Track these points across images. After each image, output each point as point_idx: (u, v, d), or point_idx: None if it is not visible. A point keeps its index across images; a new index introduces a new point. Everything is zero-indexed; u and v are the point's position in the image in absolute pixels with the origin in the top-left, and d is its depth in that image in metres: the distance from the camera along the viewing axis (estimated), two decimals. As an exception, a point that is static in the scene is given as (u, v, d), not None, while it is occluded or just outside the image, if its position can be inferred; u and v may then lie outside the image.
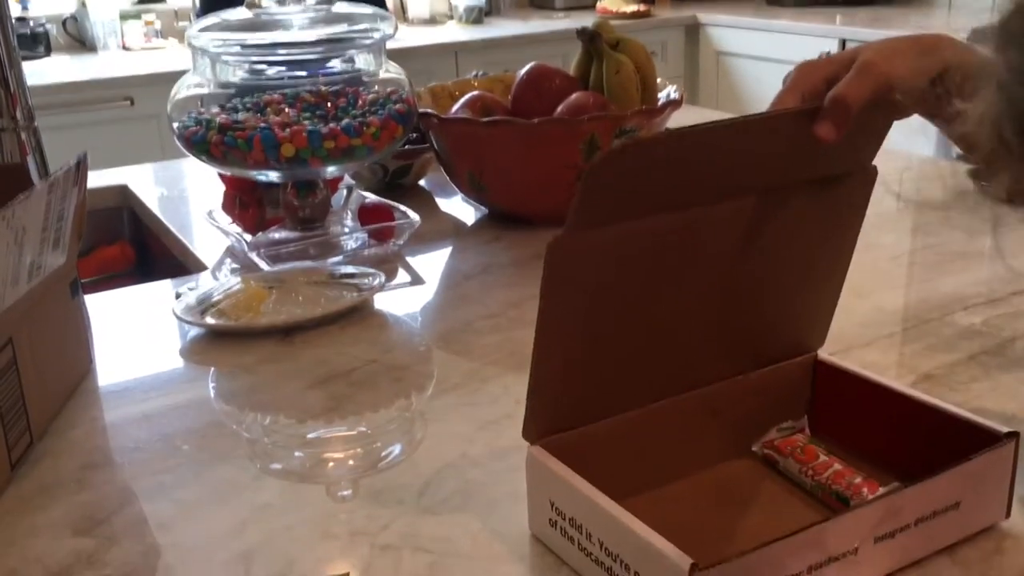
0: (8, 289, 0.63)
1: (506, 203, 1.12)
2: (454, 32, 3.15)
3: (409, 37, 2.96)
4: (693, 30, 3.32)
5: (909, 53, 0.60)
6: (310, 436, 0.71)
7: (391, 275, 1.00)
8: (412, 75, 1.10)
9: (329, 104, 1.02)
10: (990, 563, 0.54)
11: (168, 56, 2.80)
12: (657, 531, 0.47)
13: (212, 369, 0.82)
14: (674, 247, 0.54)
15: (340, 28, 1.03)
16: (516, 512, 0.58)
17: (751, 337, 0.63)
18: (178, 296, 0.91)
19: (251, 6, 1.03)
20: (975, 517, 0.55)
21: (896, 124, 0.61)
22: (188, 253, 1.11)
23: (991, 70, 0.43)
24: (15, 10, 2.83)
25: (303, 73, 1.04)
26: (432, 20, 3.32)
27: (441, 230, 1.14)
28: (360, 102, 1.03)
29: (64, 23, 2.94)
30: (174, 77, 1.09)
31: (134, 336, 0.89)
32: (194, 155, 1.02)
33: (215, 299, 0.89)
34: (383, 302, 0.94)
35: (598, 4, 3.43)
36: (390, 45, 1.09)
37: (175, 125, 1.03)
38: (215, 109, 1.03)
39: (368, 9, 1.08)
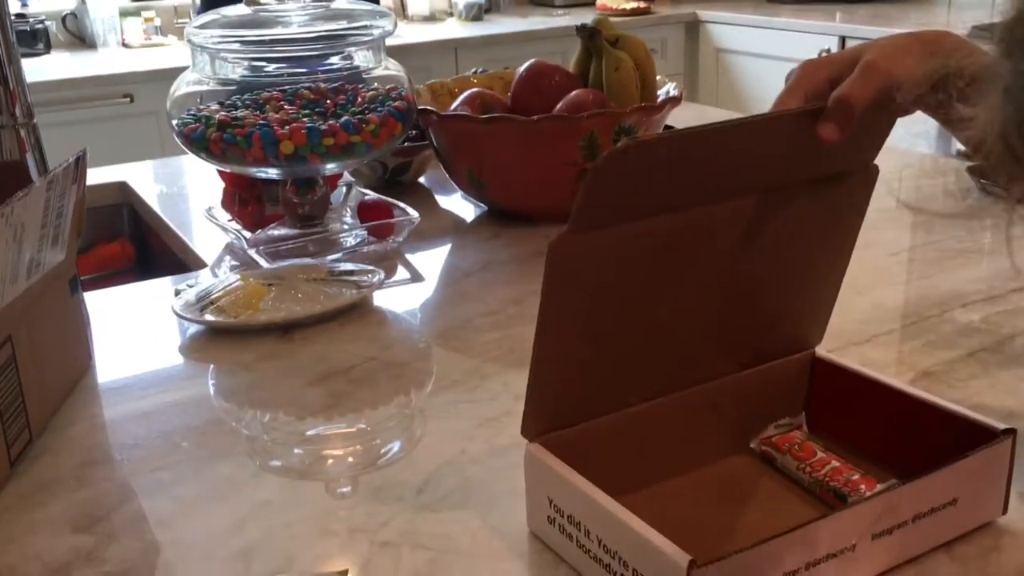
0: (7, 286, 0.63)
1: (505, 200, 1.12)
2: (453, 29, 3.15)
3: (408, 34, 2.96)
4: (693, 27, 3.32)
5: (912, 52, 0.59)
6: (309, 433, 0.71)
7: (390, 272, 1.00)
8: (411, 72, 1.10)
9: (328, 101, 1.02)
10: (987, 560, 0.54)
11: (167, 53, 2.80)
12: (655, 528, 0.47)
13: (211, 366, 0.82)
14: (675, 247, 0.54)
15: (339, 25, 1.02)
16: (515, 509, 0.58)
17: (750, 335, 0.63)
18: (177, 293, 0.91)
19: (251, 3, 1.03)
20: (972, 514, 0.56)
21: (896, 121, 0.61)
22: (187, 250, 1.11)
23: (997, 75, 0.42)
24: (15, 7, 2.83)
25: (302, 70, 1.04)
26: (432, 17, 3.31)
27: (440, 227, 1.14)
28: (359, 99, 1.03)
29: (64, 20, 2.94)
30: (173, 74, 1.09)
31: (133, 333, 0.89)
32: (193, 152, 1.02)
33: (214, 296, 0.89)
34: (382, 299, 0.94)
35: (598, 1, 3.43)
36: (389, 42, 1.09)
37: (174, 122, 1.03)
38: (214, 106, 1.03)
39: (367, 6, 1.08)
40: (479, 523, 0.59)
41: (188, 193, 1.35)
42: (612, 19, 1.21)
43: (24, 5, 2.87)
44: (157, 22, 2.98)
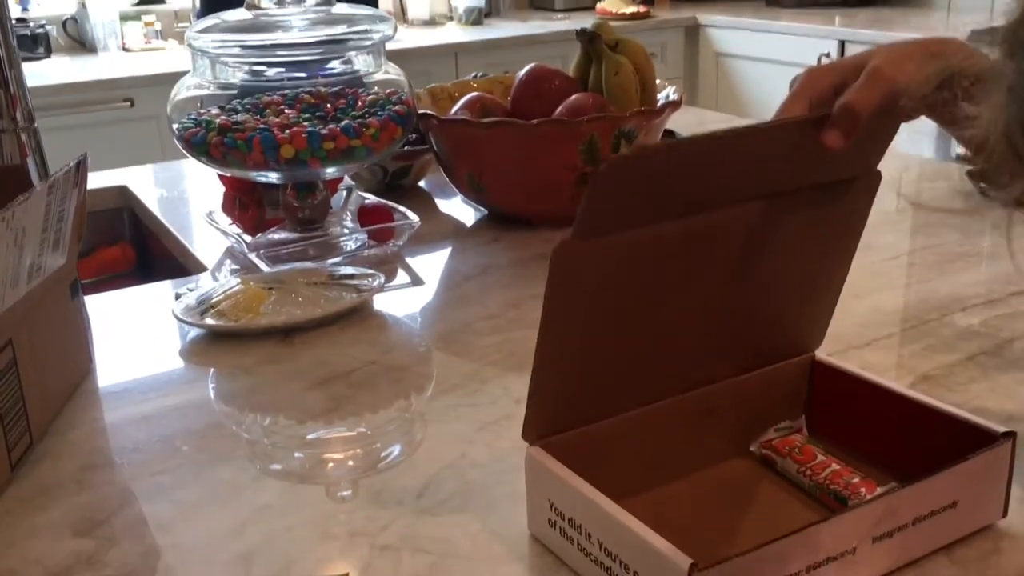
0: (8, 290, 0.63)
1: (505, 204, 1.12)
2: (454, 33, 3.16)
3: (409, 38, 2.96)
4: (692, 31, 3.32)
5: (917, 58, 0.59)
6: (310, 437, 0.71)
7: (391, 276, 1.00)
8: (412, 76, 1.10)
9: (328, 105, 1.02)
10: (987, 563, 0.54)
11: (168, 57, 2.80)
12: (656, 531, 0.47)
13: (212, 370, 0.83)
14: (678, 253, 0.54)
15: (339, 29, 1.03)
16: (515, 513, 0.58)
17: (750, 338, 0.63)
18: (178, 297, 0.91)
19: (251, 7, 1.03)
20: (972, 517, 0.56)
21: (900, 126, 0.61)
22: (188, 254, 1.11)
23: (1001, 75, 0.42)
24: (15, 11, 2.83)
25: (303, 74, 1.04)
26: (432, 21, 3.32)
27: (440, 231, 1.14)
28: (360, 103, 1.03)
29: (64, 24, 2.94)
30: (174, 78, 1.09)
31: (134, 337, 0.89)
32: (194, 156, 1.02)
33: (215, 300, 0.89)
34: (382, 303, 0.94)
35: (597, 5, 3.43)
36: (389, 46, 1.09)
37: (175, 126, 1.03)
38: (215, 110, 1.03)
39: (367, 10, 1.08)
40: (479, 527, 0.59)
41: (188, 197, 1.35)
42: (612, 23, 1.22)
43: (25, 9, 2.87)
44: (157, 26, 2.98)
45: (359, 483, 0.65)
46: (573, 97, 1.09)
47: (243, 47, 1.01)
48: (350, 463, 0.68)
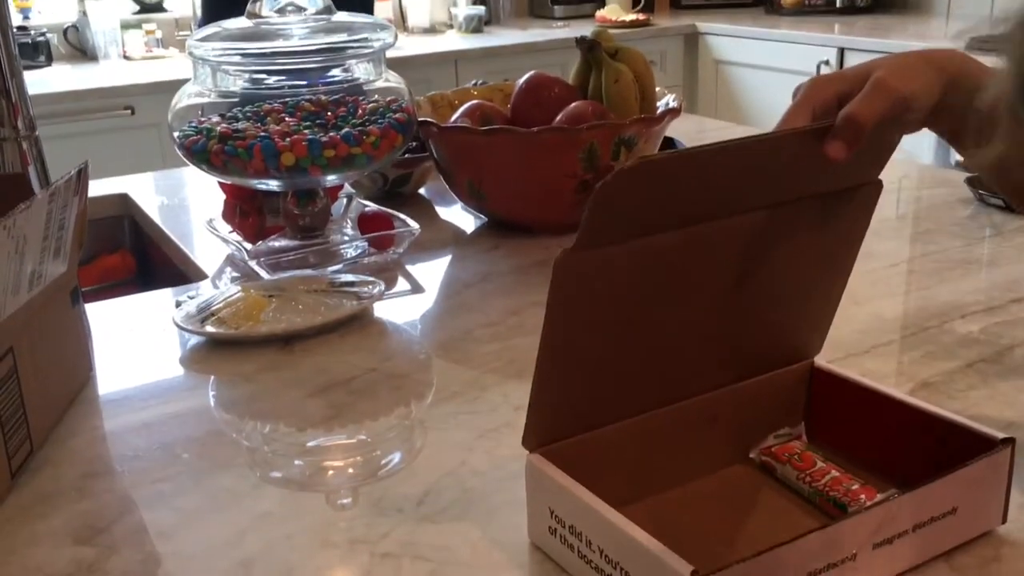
0: (9, 298, 0.63)
1: (505, 211, 1.12)
2: (454, 41, 3.16)
3: (409, 46, 2.97)
4: (692, 39, 3.33)
5: (920, 70, 0.60)
6: (310, 444, 0.71)
7: (391, 283, 1.00)
8: (412, 84, 1.11)
9: (329, 113, 1.03)
10: (987, 569, 0.54)
11: (169, 65, 2.81)
12: (656, 538, 0.47)
13: (212, 377, 0.83)
14: (680, 263, 0.54)
15: (340, 37, 1.03)
16: (516, 520, 0.58)
17: (750, 346, 0.63)
18: (178, 305, 0.92)
19: (252, 16, 1.04)
20: (972, 523, 0.56)
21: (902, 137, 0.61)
22: (188, 262, 1.11)
23: (1012, 42, 0.43)
24: (16, 19, 2.84)
25: (303, 82, 1.04)
26: (432, 29, 3.33)
27: (441, 238, 1.14)
28: (360, 111, 1.04)
29: (65, 32, 2.95)
30: (175, 86, 1.10)
31: (134, 345, 0.89)
32: (194, 164, 1.02)
33: (215, 307, 0.89)
34: (383, 310, 0.94)
35: (597, 13, 3.44)
36: (390, 54, 1.09)
37: (176, 134, 1.04)
38: (215, 118, 1.03)
39: (368, 18, 1.09)
40: (480, 534, 0.59)
41: (189, 205, 1.35)
42: (611, 31, 1.22)
43: (26, 18, 2.88)
44: (158, 34, 2.99)
45: (359, 491, 0.65)
46: (573, 105, 1.09)
47: (244, 55, 1.02)
48: (350, 471, 0.68)
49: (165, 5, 3.11)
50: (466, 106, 1.16)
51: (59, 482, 0.67)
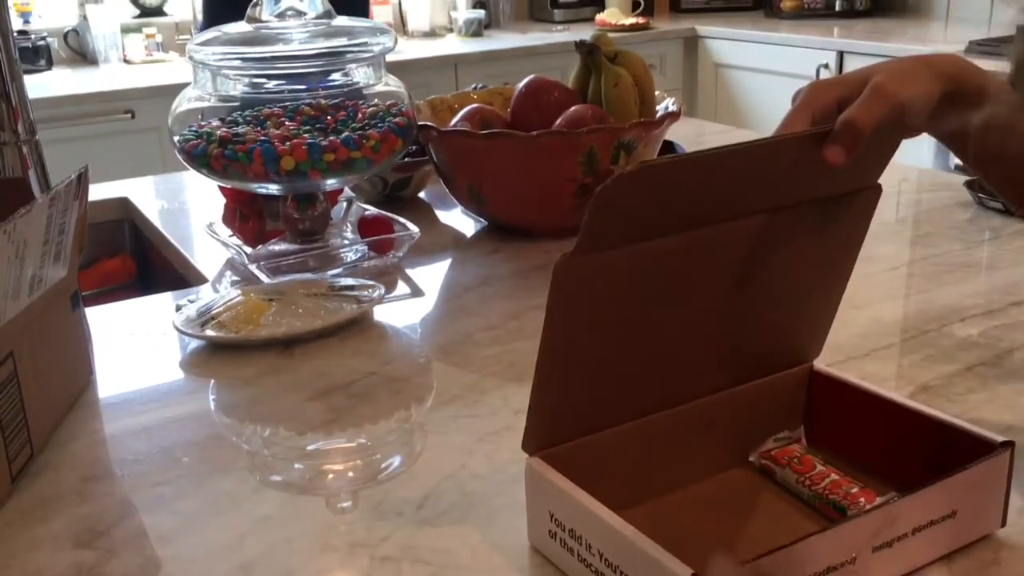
0: (9, 302, 0.63)
1: (505, 215, 1.13)
2: (454, 45, 3.17)
3: (409, 50, 2.97)
4: (691, 42, 3.33)
5: (920, 74, 0.60)
6: (310, 448, 0.71)
7: (390, 287, 1.00)
8: (412, 88, 1.11)
9: (329, 117, 1.03)
10: (987, 572, 0.54)
11: (169, 69, 2.81)
12: (656, 541, 0.48)
13: (212, 381, 0.83)
14: (679, 267, 0.54)
15: (339, 42, 1.03)
16: (515, 524, 0.59)
17: (749, 349, 0.63)
18: (178, 308, 0.92)
19: (252, 20, 1.04)
20: (971, 526, 0.56)
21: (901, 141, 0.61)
22: (189, 265, 1.11)
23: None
24: (17, 23, 2.84)
25: (303, 87, 1.04)
26: (432, 33, 3.33)
27: (440, 242, 1.14)
28: (360, 115, 1.04)
29: (65, 36, 2.96)
30: (175, 90, 1.10)
31: (134, 348, 0.89)
32: (195, 168, 1.02)
33: (215, 311, 0.89)
34: (382, 314, 0.94)
35: (597, 17, 3.45)
36: (389, 58, 1.10)
37: (176, 138, 1.04)
38: (215, 122, 1.03)
39: (367, 22, 1.09)
40: (479, 538, 0.59)
41: (189, 209, 1.35)
42: (611, 35, 1.22)
43: (26, 22, 2.89)
44: (158, 38, 2.99)
45: (359, 494, 0.65)
46: (572, 109, 1.09)
47: (244, 59, 1.02)
48: (350, 474, 0.68)
49: (165, 9, 3.12)
50: (466, 110, 1.16)
51: (59, 486, 0.67)
